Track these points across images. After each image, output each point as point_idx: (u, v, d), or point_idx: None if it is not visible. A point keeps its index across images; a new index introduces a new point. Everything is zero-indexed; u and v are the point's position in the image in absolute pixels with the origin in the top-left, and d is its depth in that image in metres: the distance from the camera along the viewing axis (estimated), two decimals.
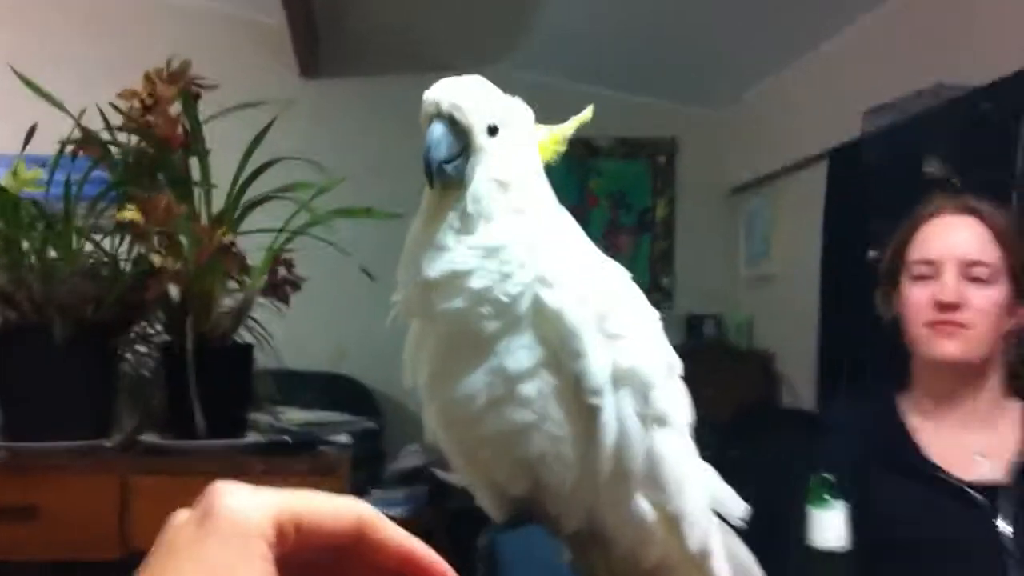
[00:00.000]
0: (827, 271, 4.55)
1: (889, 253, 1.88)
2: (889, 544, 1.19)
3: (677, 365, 1.06)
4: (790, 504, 1.63)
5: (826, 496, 1.02)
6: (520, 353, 0.94)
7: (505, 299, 0.93)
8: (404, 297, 1.00)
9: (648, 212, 6.16)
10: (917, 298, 1.78)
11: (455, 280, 0.93)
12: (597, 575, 1.09)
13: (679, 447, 1.03)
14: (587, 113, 1.06)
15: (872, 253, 3.95)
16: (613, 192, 6.11)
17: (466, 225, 0.94)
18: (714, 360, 5.43)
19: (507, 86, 1.05)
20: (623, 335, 0.98)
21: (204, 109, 2.18)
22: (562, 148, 1.05)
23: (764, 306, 5.68)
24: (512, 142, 0.98)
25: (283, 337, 2.22)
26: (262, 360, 2.20)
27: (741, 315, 5.85)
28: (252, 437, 2.12)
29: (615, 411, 0.96)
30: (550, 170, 1.03)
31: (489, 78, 1.03)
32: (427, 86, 1.00)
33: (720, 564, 1.07)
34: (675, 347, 1.05)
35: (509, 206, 0.96)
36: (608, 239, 6.00)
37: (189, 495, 1.65)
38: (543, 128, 1.06)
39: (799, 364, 5.04)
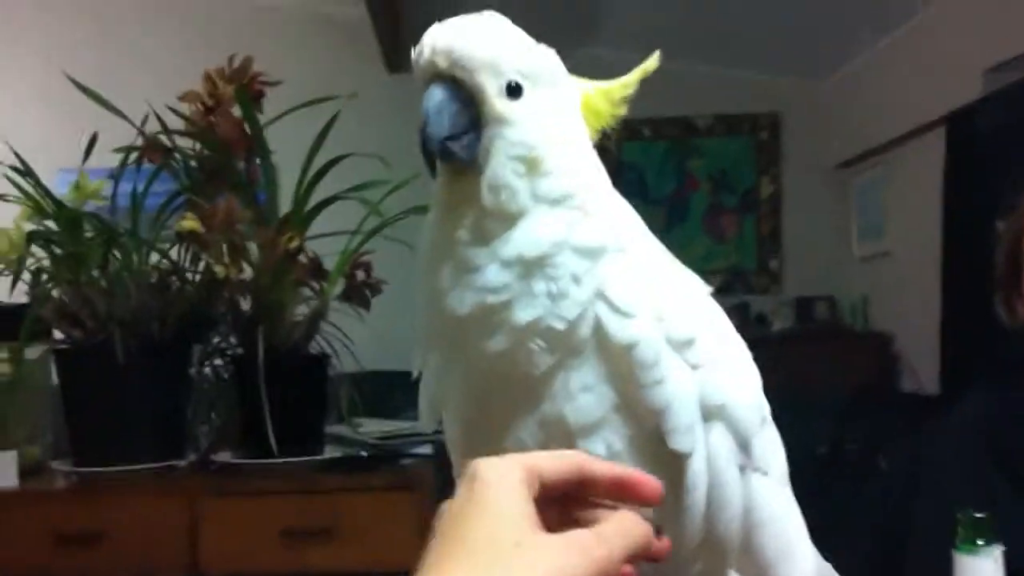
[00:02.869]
0: (949, 245, 4.25)
1: (1003, 253, 1.58)
2: None
3: (767, 408, 0.83)
4: (925, 538, 1.41)
5: (979, 540, 0.83)
6: (583, 398, 0.73)
7: (560, 326, 0.72)
8: (424, 326, 0.79)
9: (752, 191, 5.89)
10: None
11: (492, 315, 0.72)
12: None
13: (783, 506, 0.82)
14: (651, 62, 0.79)
15: (1001, 224, 3.66)
16: (714, 172, 5.86)
17: (487, 226, 0.72)
18: (827, 344, 5.18)
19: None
20: (711, 366, 0.76)
21: (276, 107, 2.07)
22: (619, 111, 0.80)
23: (880, 285, 5.36)
24: (543, 105, 0.74)
25: (365, 339, 2.10)
26: (344, 365, 2.08)
27: (855, 295, 5.55)
28: (329, 452, 2.01)
29: (706, 458, 0.75)
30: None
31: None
32: None
33: None
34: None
35: (544, 194, 0.72)
36: (710, 222, 5.78)
37: (260, 517, 1.52)
38: (590, 84, 0.80)
39: (920, 345, 4.73)
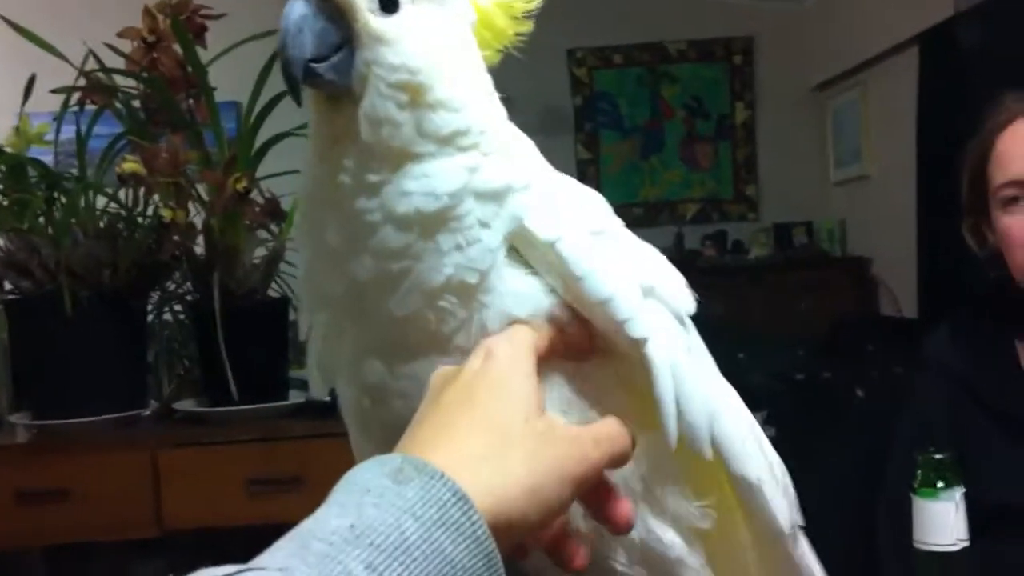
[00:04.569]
0: (924, 167, 4.20)
1: (966, 179, 1.53)
2: (998, 512, 0.95)
3: None
4: (898, 476, 1.37)
5: (939, 483, 0.77)
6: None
7: (473, 280, 0.65)
8: (311, 284, 0.71)
9: (727, 118, 5.81)
10: (1016, 229, 1.41)
11: (397, 279, 0.64)
12: None
13: (728, 393, 0.75)
14: None
15: (967, 148, 3.61)
16: (688, 100, 5.77)
17: (372, 168, 0.63)
18: (805, 270, 5.16)
19: None
20: (631, 250, 0.71)
21: (224, 41, 1.98)
22: (523, 27, 0.71)
23: (857, 210, 5.32)
24: (426, 21, 0.65)
25: None
26: None
27: (833, 220, 5.51)
28: (294, 398, 1.97)
29: (663, 345, 0.67)
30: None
31: None
32: None
33: (807, 550, 0.78)
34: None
35: (432, 131, 0.64)
36: (685, 151, 5.70)
37: (224, 467, 1.47)
38: None
39: (898, 269, 4.71)
